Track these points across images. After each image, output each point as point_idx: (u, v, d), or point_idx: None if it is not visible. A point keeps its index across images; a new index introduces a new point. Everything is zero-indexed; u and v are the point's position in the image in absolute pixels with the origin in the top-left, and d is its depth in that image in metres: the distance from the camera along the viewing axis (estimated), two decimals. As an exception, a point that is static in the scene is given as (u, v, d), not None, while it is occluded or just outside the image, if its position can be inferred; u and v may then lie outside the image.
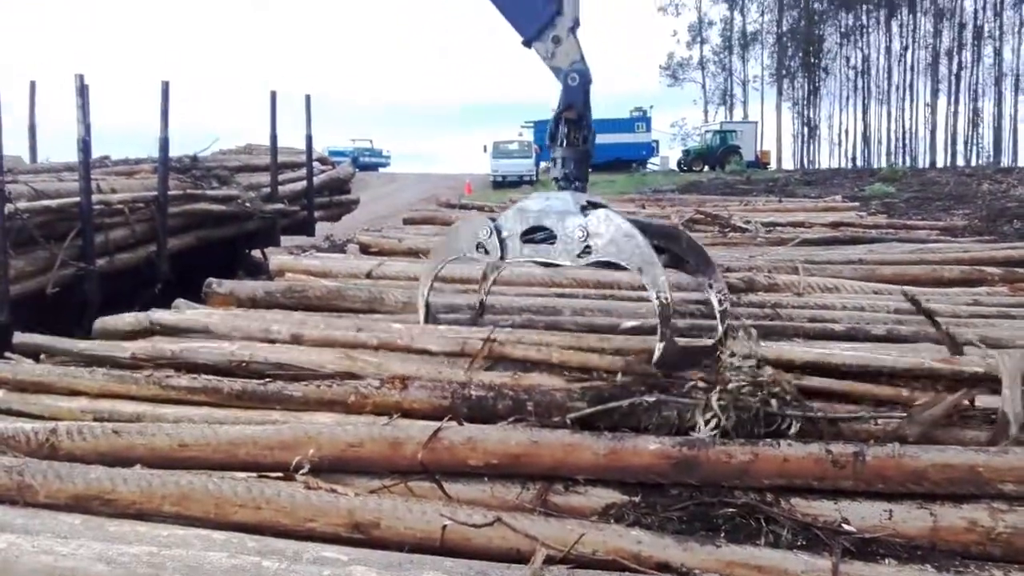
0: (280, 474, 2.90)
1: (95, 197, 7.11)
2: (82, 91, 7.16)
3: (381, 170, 42.19)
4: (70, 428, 3.25)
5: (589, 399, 3.15)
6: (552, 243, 3.59)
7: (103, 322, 4.61)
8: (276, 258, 6.32)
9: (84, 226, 6.90)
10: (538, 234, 3.66)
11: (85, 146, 7.02)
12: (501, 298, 4.59)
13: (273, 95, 10.36)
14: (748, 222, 7.78)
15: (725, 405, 2.90)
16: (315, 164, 11.73)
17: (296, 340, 4.03)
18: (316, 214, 11.59)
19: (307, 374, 3.65)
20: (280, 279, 5.60)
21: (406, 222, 8.66)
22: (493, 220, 3.75)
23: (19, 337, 4.27)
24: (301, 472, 2.89)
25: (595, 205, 3.61)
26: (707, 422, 2.88)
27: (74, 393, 3.73)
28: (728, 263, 5.27)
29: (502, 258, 3.75)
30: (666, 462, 2.79)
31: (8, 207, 6.08)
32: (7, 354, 4.18)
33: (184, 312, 4.58)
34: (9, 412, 3.71)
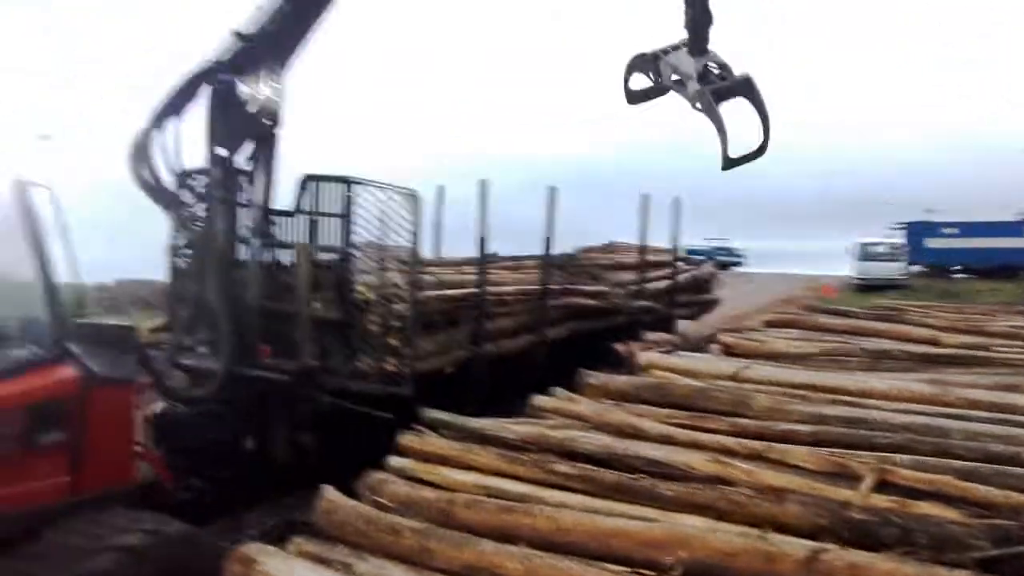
0: (652, 573, 2.96)
1: (488, 289, 7.96)
2: (483, 194, 8.14)
3: (736, 269, 41.67)
4: (467, 500, 3.62)
5: (994, 539, 2.82)
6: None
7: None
8: (644, 354, 6.54)
9: (479, 314, 7.73)
10: None
11: (483, 243, 7.93)
12: (877, 413, 4.34)
13: (645, 199, 10.93)
14: None
15: None
16: (678, 264, 12.06)
17: (667, 439, 4.13)
18: (677, 312, 11.83)
19: (678, 474, 3.71)
20: (645, 375, 5.78)
21: (768, 324, 8.55)
22: None
23: (426, 412, 4.85)
24: (673, 574, 2.93)
25: None
26: None
27: (468, 468, 4.15)
28: None
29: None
30: (1097, 628, 2.40)
31: (420, 295, 7.01)
32: (414, 426, 4.76)
33: (562, 400, 4.93)
34: (412, 479, 4.21)
